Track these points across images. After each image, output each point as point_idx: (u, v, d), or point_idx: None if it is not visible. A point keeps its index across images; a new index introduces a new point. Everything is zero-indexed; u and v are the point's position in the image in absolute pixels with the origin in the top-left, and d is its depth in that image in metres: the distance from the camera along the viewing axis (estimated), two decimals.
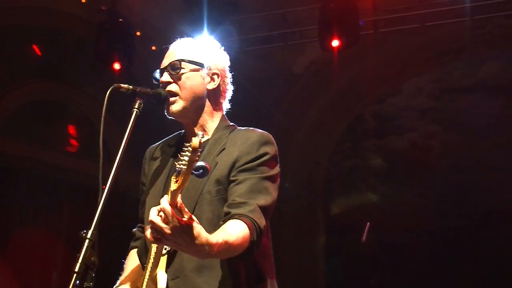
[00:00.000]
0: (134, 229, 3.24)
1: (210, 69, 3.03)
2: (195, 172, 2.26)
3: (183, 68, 2.97)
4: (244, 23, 8.71)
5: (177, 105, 2.95)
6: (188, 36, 3.23)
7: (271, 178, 2.85)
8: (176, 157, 2.94)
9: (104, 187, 2.57)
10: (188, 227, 2.29)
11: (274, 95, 9.95)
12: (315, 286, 10.40)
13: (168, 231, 2.30)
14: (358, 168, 11.26)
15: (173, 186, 2.31)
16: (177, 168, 2.29)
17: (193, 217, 2.33)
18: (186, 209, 2.33)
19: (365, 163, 11.21)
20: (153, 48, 8.85)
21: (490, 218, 10.08)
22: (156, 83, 3.04)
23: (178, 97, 2.96)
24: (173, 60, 3.00)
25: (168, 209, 2.28)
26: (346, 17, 7.86)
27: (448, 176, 10.71)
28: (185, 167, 2.25)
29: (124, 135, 2.76)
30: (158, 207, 2.33)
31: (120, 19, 8.32)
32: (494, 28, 9.12)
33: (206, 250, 2.36)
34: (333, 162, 10.87)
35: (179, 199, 2.31)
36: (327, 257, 10.56)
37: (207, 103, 3.03)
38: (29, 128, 9.40)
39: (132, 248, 3.21)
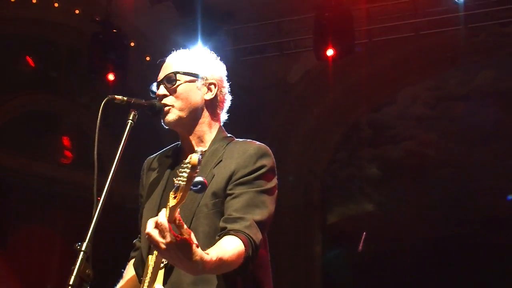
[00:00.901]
0: (134, 240, 3.23)
1: (206, 80, 3.02)
2: (193, 188, 2.25)
3: (178, 80, 2.96)
4: (238, 32, 8.71)
5: (171, 115, 2.94)
6: (182, 46, 3.23)
7: (268, 191, 2.82)
8: (173, 169, 2.94)
9: (99, 198, 2.55)
10: (183, 244, 2.27)
11: (269, 105, 9.95)
12: None
13: (163, 246, 2.27)
14: (354, 177, 11.25)
15: (172, 202, 2.29)
16: (175, 184, 2.28)
17: (192, 234, 2.31)
18: (185, 226, 2.30)
19: (361, 172, 11.20)
20: (148, 58, 8.83)
21: (487, 225, 10.08)
22: (153, 96, 3.03)
23: (173, 107, 2.94)
24: (168, 72, 2.99)
25: (165, 224, 2.26)
26: (340, 27, 7.86)
27: (445, 184, 10.70)
28: (184, 183, 2.23)
29: (118, 146, 2.74)
30: (155, 219, 2.30)
31: (114, 30, 8.30)
32: (488, 36, 9.14)
33: (199, 268, 2.34)
34: (329, 171, 10.86)
35: (177, 215, 2.29)
36: (324, 267, 10.54)
37: (205, 114, 3.02)
38: (23, 140, 9.36)
39: (132, 258, 3.21)
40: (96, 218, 2.51)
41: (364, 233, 6.95)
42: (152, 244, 2.31)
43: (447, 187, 10.75)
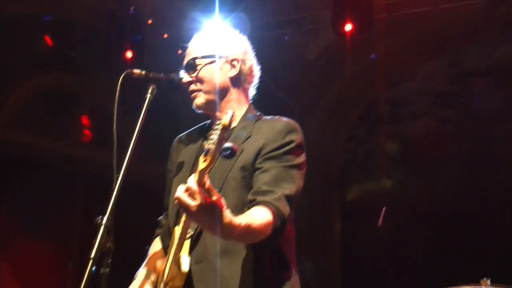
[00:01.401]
0: (159, 218, 3.26)
1: (227, 58, 3.05)
2: (223, 153, 2.26)
3: (199, 65, 3.00)
4: (256, 9, 8.65)
5: (199, 99, 3.00)
6: (199, 23, 3.26)
7: (297, 167, 2.85)
8: (201, 146, 2.97)
9: (117, 175, 2.56)
10: (213, 206, 2.30)
11: (286, 82, 9.90)
12: (331, 272, 10.39)
13: (193, 208, 2.29)
14: (373, 154, 11.20)
15: (201, 165, 2.32)
16: (205, 148, 2.30)
17: (222, 198, 2.33)
18: (215, 190, 2.33)
19: (380, 149, 11.14)
20: (165, 36, 8.81)
21: (507, 203, 10.01)
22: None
23: (200, 91, 2.97)
24: (188, 59, 3.05)
25: (195, 187, 2.29)
26: (359, 1, 7.80)
27: (464, 160, 10.63)
28: (213, 146, 2.24)
29: (137, 122, 2.75)
30: (185, 185, 2.32)
31: (131, 8, 8.29)
32: (509, 9, 9.01)
33: (228, 231, 2.38)
34: (347, 148, 10.82)
35: (206, 179, 2.31)
36: (343, 243, 10.54)
37: (232, 91, 3.05)
38: (42, 120, 9.42)
39: (157, 235, 3.24)
40: (116, 193, 2.52)
41: (384, 208, 6.92)
42: (182, 208, 2.34)
43: (467, 163, 10.68)
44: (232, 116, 2.27)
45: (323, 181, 10.51)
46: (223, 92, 3.00)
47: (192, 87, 3.01)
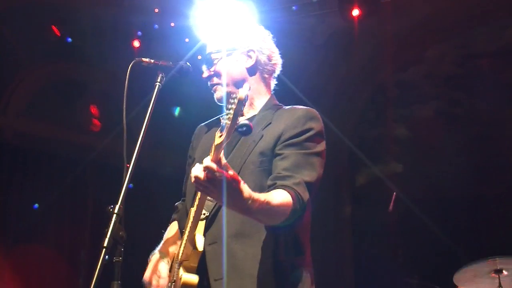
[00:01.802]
0: (176, 203, 3.29)
1: (243, 49, 3.07)
2: (239, 129, 2.25)
3: (215, 59, 3.02)
4: None
5: (219, 92, 3.04)
6: (206, 10, 3.29)
7: (317, 154, 2.86)
8: None
9: (128, 165, 2.57)
10: (232, 180, 2.32)
11: (294, 68, 9.87)
12: (342, 258, 10.40)
13: (211, 184, 2.31)
14: (382, 138, 11.19)
15: (217, 140, 2.32)
16: (221, 123, 2.30)
17: (235, 173, 2.37)
18: (228, 164, 2.34)
19: (389, 133, 11.13)
20: (172, 24, 8.80)
21: None
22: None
23: (219, 85, 3.00)
24: (206, 55, 3.11)
25: (212, 165, 2.29)
26: None
27: (474, 143, 10.60)
28: (229, 121, 2.23)
29: (147, 109, 2.75)
30: (201, 165, 2.33)
31: None
32: None
33: (248, 204, 2.40)
34: (357, 132, 10.80)
35: (222, 156, 2.32)
36: (353, 228, 10.55)
37: (250, 81, 3.08)
38: (51, 109, 9.44)
39: (173, 220, 3.26)
40: (127, 182, 2.53)
41: (395, 193, 6.92)
42: (200, 186, 2.35)
43: (477, 146, 10.65)
44: (249, 89, 2.27)
45: (332, 166, 10.51)
46: (240, 83, 3.01)
47: (213, 81, 3.06)
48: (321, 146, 2.91)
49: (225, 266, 2.73)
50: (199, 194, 2.70)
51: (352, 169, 10.95)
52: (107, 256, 2.32)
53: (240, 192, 2.36)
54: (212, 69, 3.06)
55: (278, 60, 3.19)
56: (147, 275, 3.00)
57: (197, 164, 2.36)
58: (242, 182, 2.37)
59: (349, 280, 10.39)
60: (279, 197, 2.59)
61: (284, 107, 3.07)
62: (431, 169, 10.97)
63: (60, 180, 9.17)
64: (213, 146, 2.35)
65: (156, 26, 8.47)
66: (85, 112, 9.83)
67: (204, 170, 2.31)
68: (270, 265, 2.74)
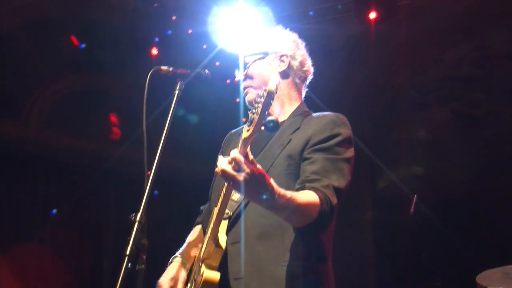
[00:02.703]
0: (202, 207, 3.29)
1: (276, 53, 3.09)
2: (266, 125, 2.25)
3: (247, 62, 3.04)
4: (280, 1, 8.64)
5: (250, 95, 3.05)
6: (223, 17, 3.32)
7: (345, 160, 2.85)
8: None
9: (148, 173, 2.58)
10: (259, 175, 2.31)
11: (312, 72, 9.87)
12: (364, 261, 10.36)
13: (239, 177, 2.30)
14: (402, 141, 11.13)
15: (244, 134, 2.33)
16: (250, 117, 2.29)
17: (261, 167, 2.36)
18: (255, 159, 2.34)
19: (409, 136, 11.08)
20: (189, 31, 8.83)
21: None
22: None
23: (250, 87, 3.01)
24: (240, 59, 3.16)
25: (239, 157, 2.29)
26: None
27: (495, 145, 10.52)
28: (257, 115, 2.23)
29: (167, 117, 2.76)
30: (228, 158, 2.33)
31: (155, 4, 8.32)
32: None
33: (275, 199, 2.39)
34: (376, 136, 10.76)
35: (249, 151, 2.32)
36: (375, 232, 10.50)
37: (282, 86, 3.08)
38: (72, 119, 9.50)
39: (197, 223, 3.27)
40: (149, 190, 2.54)
41: (416, 196, 6.87)
42: (227, 179, 2.35)
43: (498, 148, 10.57)
44: (278, 83, 2.27)
45: (353, 170, 10.48)
46: None
47: (244, 84, 3.07)
48: (350, 152, 2.90)
49: (245, 265, 2.73)
50: (223, 192, 2.71)
51: (373, 173, 10.91)
52: (129, 264, 2.33)
53: (266, 186, 2.35)
54: (244, 72, 3.07)
55: (310, 68, 3.20)
56: (163, 279, 3.00)
57: (224, 158, 2.36)
58: (268, 176, 2.36)
59: (371, 284, 10.35)
60: (307, 197, 2.58)
61: (313, 114, 3.07)
62: (452, 171, 10.89)
63: (82, 189, 9.22)
64: (241, 140, 2.34)
65: (171, 32, 8.50)
66: (105, 121, 9.88)
67: (231, 162, 2.31)
68: (291, 268, 2.73)
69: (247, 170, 2.29)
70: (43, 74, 9.23)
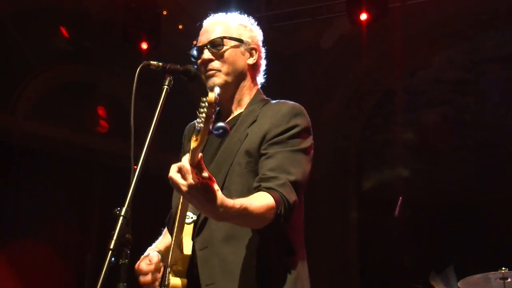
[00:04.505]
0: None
1: (249, 45, 3.04)
2: (215, 132, 2.23)
3: (224, 45, 2.97)
4: None
5: (218, 79, 2.96)
6: (214, 13, 3.23)
7: (303, 151, 2.80)
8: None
9: (135, 167, 2.56)
10: (204, 186, 2.28)
11: (302, 71, 9.89)
12: (348, 261, 10.39)
13: (184, 188, 2.29)
14: (389, 143, 11.16)
15: (193, 144, 2.29)
16: (196, 127, 2.27)
17: (212, 177, 2.33)
18: (207, 170, 2.31)
19: (396, 137, 11.11)
20: (180, 27, 8.83)
21: None
22: (194, 60, 3.03)
23: (219, 71, 2.95)
24: (213, 37, 3.00)
25: (187, 166, 2.27)
26: None
27: (482, 148, 10.57)
28: (202, 124, 2.21)
29: (154, 113, 2.75)
30: (178, 164, 2.32)
31: None
32: None
33: (221, 211, 2.35)
34: (364, 137, 10.79)
35: (199, 158, 2.30)
36: (360, 232, 10.53)
37: (247, 78, 3.05)
38: (59, 111, 9.47)
39: (166, 225, 3.24)
40: (134, 184, 2.52)
41: (401, 198, 6.89)
42: (175, 188, 2.33)
43: (484, 151, 10.62)
44: (219, 93, 2.24)
45: (340, 170, 10.50)
46: (240, 78, 2.98)
47: (213, 65, 2.97)
48: (307, 142, 2.85)
49: (215, 271, 2.71)
50: (181, 198, 2.70)
51: (359, 174, 10.94)
52: (113, 259, 2.32)
53: (212, 198, 2.33)
54: (217, 52, 2.99)
55: (264, 64, 3.18)
56: (138, 263, 2.97)
57: (174, 165, 2.35)
58: (216, 188, 2.32)
59: (355, 284, 10.38)
60: (259, 200, 2.54)
61: (271, 101, 3.03)
62: (438, 174, 10.94)
63: (67, 181, 9.20)
64: (190, 150, 2.33)
65: (162, 27, 8.49)
66: (92, 114, 9.86)
67: (178, 172, 2.31)
68: (261, 268, 2.70)
69: (191, 181, 2.28)
70: (31, 64, 9.19)
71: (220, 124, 2.22)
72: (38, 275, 8.75)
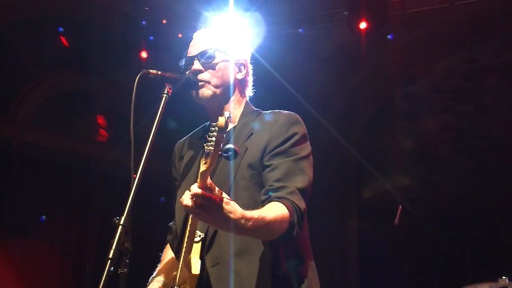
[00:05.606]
0: (170, 223, 3.24)
1: (238, 60, 3.05)
2: (224, 154, 2.27)
3: (215, 57, 2.97)
4: (271, 8, 8.65)
5: (207, 91, 2.96)
6: (215, 23, 3.24)
7: (305, 158, 2.84)
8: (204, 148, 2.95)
9: (134, 176, 2.56)
10: (221, 204, 2.29)
11: (302, 80, 9.89)
12: (348, 270, 10.37)
13: (202, 212, 2.31)
14: (389, 151, 11.17)
15: (202, 167, 2.33)
16: (205, 150, 2.30)
17: (224, 194, 2.35)
18: (217, 188, 2.33)
19: (396, 146, 11.11)
20: (179, 35, 8.83)
21: None
22: (181, 71, 3.04)
23: (208, 83, 2.96)
24: (204, 49, 3.01)
25: (199, 191, 2.29)
26: None
27: (482, 157, 10.57)
28: (212, 147, 2.25)
29: (153, 121, 2.74)
30: (190, 193, 2.33)
31: (146, 7, 8.32)
32: None
33: (241, 223, 2.37)
34: (363, 145, 10.79)
35: (209, 181, 2.32)
36: (360, 241, 10.52)
37: (236, 92, 3.06)
38: (59, 119, 9.47)
39: (168, 242, 3.22)
40: (134, 193, 2.52)
41: (400, 206, 6.89)
42: (192, 214, 2.35)
43: (484, 160, 10.62)
44: (229, 117, 2.27)
45: (339, 178, 10.50)
46: (228, 91, 2.99)
47: (202, 76, 2.97)
48: (307, 149, 2.88)
49: (230, 286, 2.71)
50: (190, 220, 2.70)
51: (359, 182, 10.93)
52: (112, 268, 2.31)
53: (232, 214, 2.35)
54: (207, 64, 2.99)
55: (251, 80, 3.19)
56: None
57: (186, 192, 2.36)
58: (232, 203, 2.36)
59: None
60: (275, 211, 2.56)
61: (262, 112, 3.04)
62: (438, 182, 10.93)
63: (67, 190, 9.19)
64: (199, 174, 2.35)
65: (161, 36, 8.50)
66: (92, 123, 9.86)
67: (192, 198, 2.32)
68: (274, 279, 2.71)
69: (208, 204, 2.30)
70: (31, 73, 9.20)
71: (229, 146, 2.26)
72: (38, 284, 8.73)
